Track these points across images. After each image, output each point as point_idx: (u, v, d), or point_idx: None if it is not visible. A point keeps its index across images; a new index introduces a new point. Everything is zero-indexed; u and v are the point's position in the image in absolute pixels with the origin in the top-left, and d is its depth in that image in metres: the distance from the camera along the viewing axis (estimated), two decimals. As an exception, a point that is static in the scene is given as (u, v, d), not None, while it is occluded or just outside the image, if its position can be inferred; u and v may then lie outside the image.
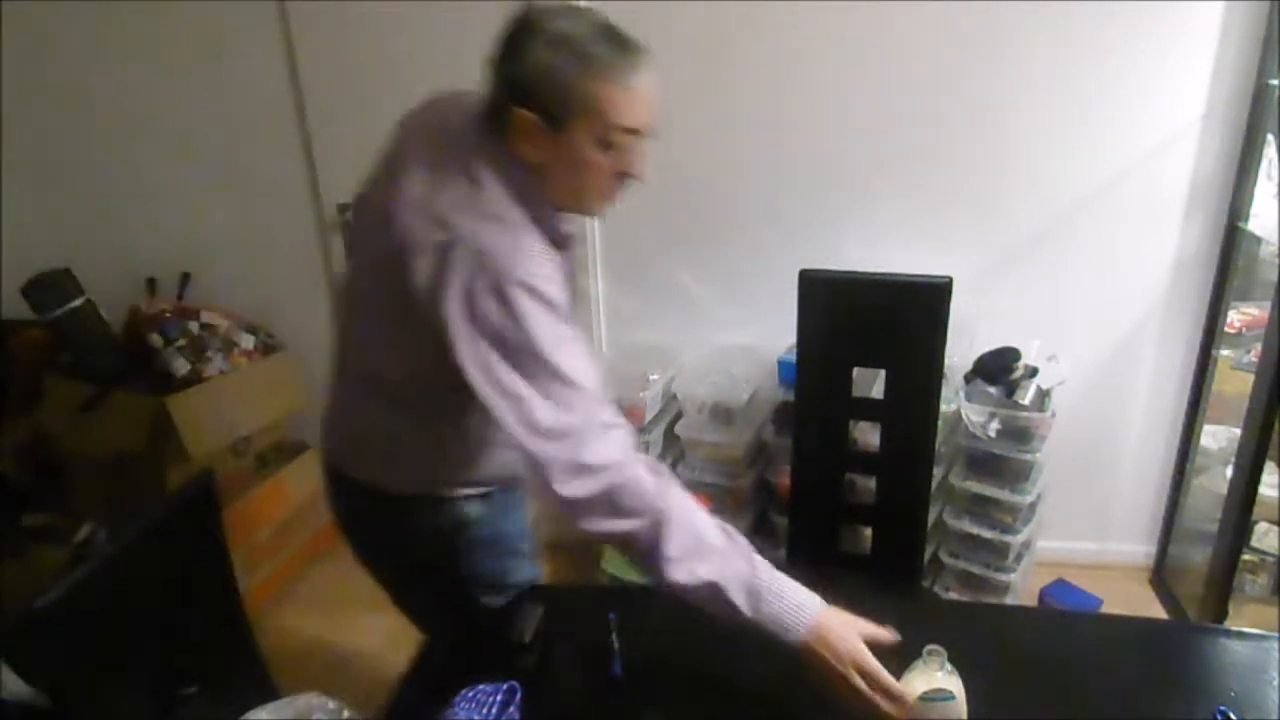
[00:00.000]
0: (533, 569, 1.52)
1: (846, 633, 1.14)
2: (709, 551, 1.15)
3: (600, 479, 1.14)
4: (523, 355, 1.13)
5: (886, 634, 1.15)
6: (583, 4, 1.23)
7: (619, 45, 1.17)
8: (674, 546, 1.14)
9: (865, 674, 1.11)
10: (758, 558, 1.18)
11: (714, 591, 1.14)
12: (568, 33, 1.16)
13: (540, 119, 1.17)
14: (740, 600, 1.14)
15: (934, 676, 1.13)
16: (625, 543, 1.17)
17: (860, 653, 1.12)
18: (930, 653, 1.13)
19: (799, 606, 1.15)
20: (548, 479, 1.15)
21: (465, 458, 1.38)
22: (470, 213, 1.16)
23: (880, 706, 1.11)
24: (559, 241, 1.27)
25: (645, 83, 1.18)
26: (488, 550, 1.45)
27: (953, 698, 1.12)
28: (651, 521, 1.14)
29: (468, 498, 1.41)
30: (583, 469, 1.14)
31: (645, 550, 1.15)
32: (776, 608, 1.14)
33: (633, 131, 1.20)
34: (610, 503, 1.15)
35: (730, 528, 1.20)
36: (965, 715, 1.13)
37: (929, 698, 1.11)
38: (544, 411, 1.14)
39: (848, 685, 1.11)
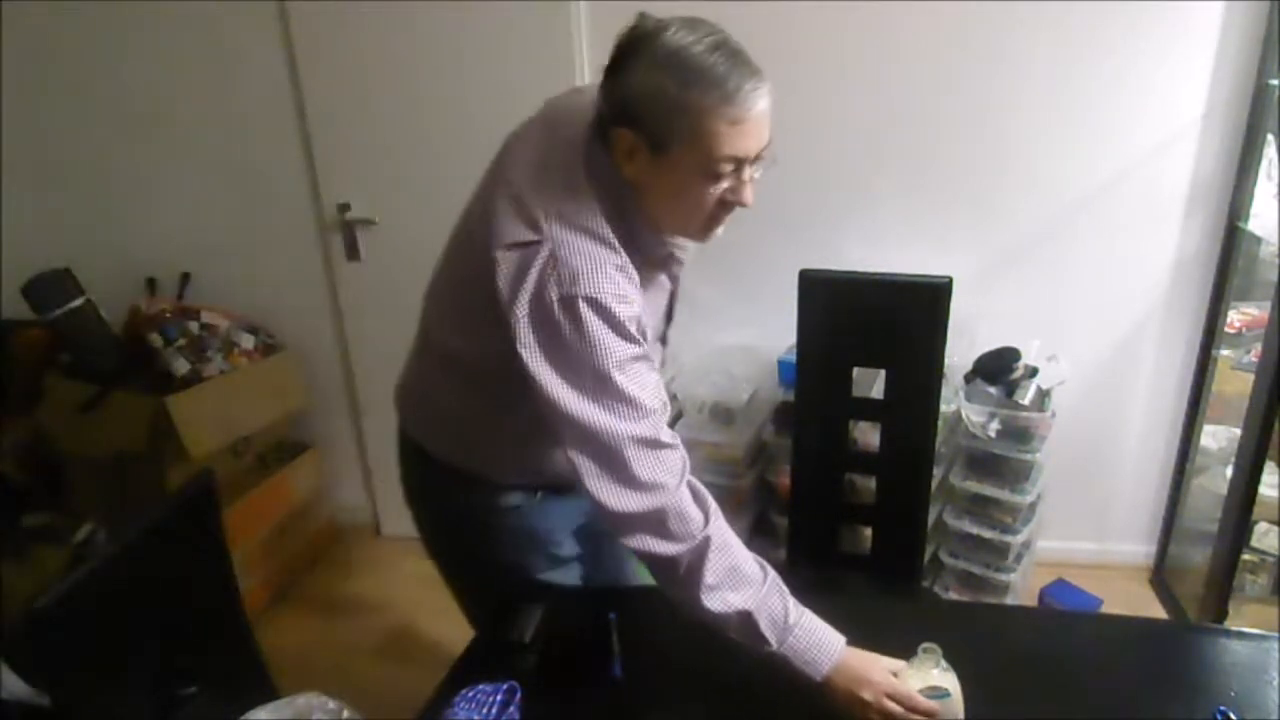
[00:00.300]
0: (575, 577, 1.50)
1: (874, 667, 1.16)
2: (744, 582, 1.17)
3: (649, 498, 1.15)
4: (581, 367, 1.14)
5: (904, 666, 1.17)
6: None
7: (732, 68, 1.09)
8: (711, 574, 1.16)
9: (900, 700, 1.13)
10: (788, 593, 1.20)
11: (744, 621, 1.16)
12: (678, 52, 1.09)
13: (642, 140, 1.13)
14: (769, 632, 1.16)
15: (929, 674, 1.13)
16: (664, 565, 1.18)
17: (892, 683, 1.14)
18: (925, 650, 1.13)
19: (824, 644, 1.17)
20: (594, 489, 1.16)
21: (522, 451, 1.38)
22: (561, 221, 1.15)
23: (913, 704, 1.12)
24: (655, 261, 1.27)
25: (756, 110, 1.10)
26: (523, 543, 1.45)
27: (949, 695, 1.12)
28: (693, 548, 1.16)
29: (515, 488, 1.42)
30: (632, 483, 1.15)
31: (683, 575, 1.17)
32: (804, 642, 1.17)
33: (738, 161, 1.14)
34: (658, 523, 1.16)
35: (764, 561, 1.21)
36: (962, 713, 1.13)
37: (925, 696, 1.12)
38: (599, 422, 1.14)
39: (882, 714, 1.13)
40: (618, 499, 1.16)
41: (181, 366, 2.52)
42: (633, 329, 1.16)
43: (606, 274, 1.14)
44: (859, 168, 2.47)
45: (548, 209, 1.16)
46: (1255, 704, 1.18)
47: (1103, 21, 2.22)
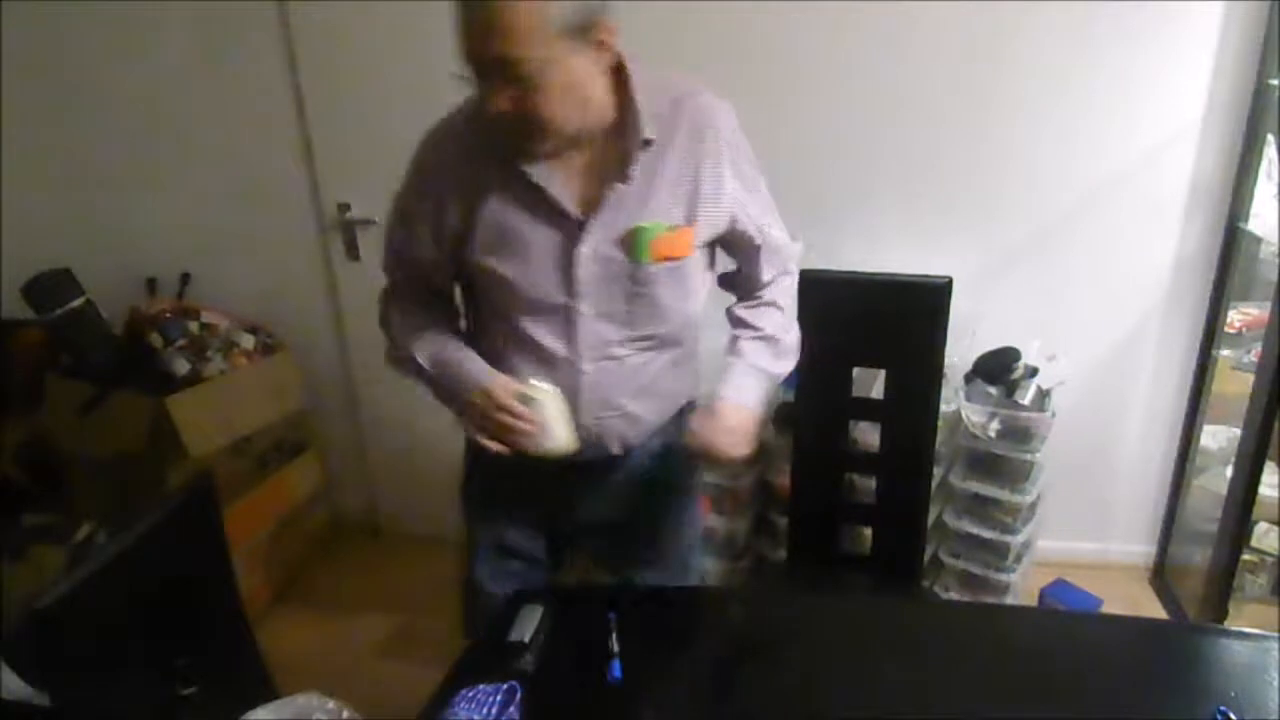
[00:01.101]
0: (520, 577, 1.54)
1: (498, 377, 1.35)
2: (415, 340, 1.41)
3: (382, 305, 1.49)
4: None
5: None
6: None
7: None
8: (395, 333, 1.45)
9: (488, 395, 1.32)
10: (462, 348, 1.40)
11: (410, 362, 1.41)
12: None
13: None
14: (428, 365, 1.39)
15: (525, 381, 1.32)
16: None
17: (493, 384, 1.33)
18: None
19: (474, 374, 1.36)
20: None
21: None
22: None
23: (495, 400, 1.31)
24: (509, 170, 1.28)
25: (482, 11, 1.09)
26: (478, 489, 1.57)
27: (537, 399, 1.30)
28: (390, 323, 1.46)
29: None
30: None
31: (387, 340, 1.47)
32: (451, 375, 1.37)
33: (474, 64, 1.13)
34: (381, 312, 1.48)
35: (456, 330, 1.46)
36: (557, 419, 1.31)
37: (519, 398, 1.31)
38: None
39: (471, 408, 1.34)
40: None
41: (181, 366, 2.52)
42: (425, 167, 1.36)
43: (439, 133, 1.35)
44: (858, 168, 2.47)
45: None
46: (1255, 704, 1.18)
47: (1103, 22, 2.22)
